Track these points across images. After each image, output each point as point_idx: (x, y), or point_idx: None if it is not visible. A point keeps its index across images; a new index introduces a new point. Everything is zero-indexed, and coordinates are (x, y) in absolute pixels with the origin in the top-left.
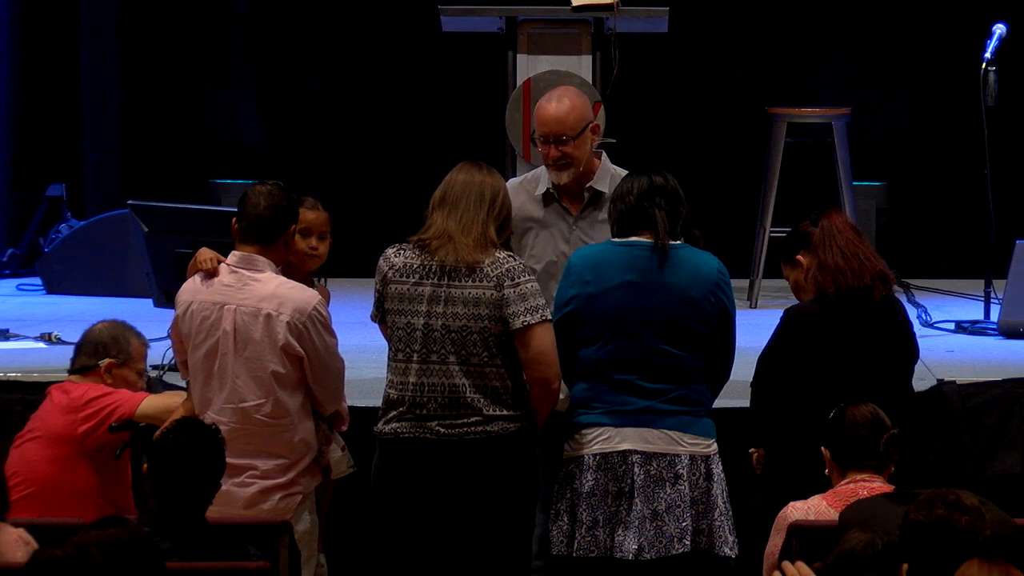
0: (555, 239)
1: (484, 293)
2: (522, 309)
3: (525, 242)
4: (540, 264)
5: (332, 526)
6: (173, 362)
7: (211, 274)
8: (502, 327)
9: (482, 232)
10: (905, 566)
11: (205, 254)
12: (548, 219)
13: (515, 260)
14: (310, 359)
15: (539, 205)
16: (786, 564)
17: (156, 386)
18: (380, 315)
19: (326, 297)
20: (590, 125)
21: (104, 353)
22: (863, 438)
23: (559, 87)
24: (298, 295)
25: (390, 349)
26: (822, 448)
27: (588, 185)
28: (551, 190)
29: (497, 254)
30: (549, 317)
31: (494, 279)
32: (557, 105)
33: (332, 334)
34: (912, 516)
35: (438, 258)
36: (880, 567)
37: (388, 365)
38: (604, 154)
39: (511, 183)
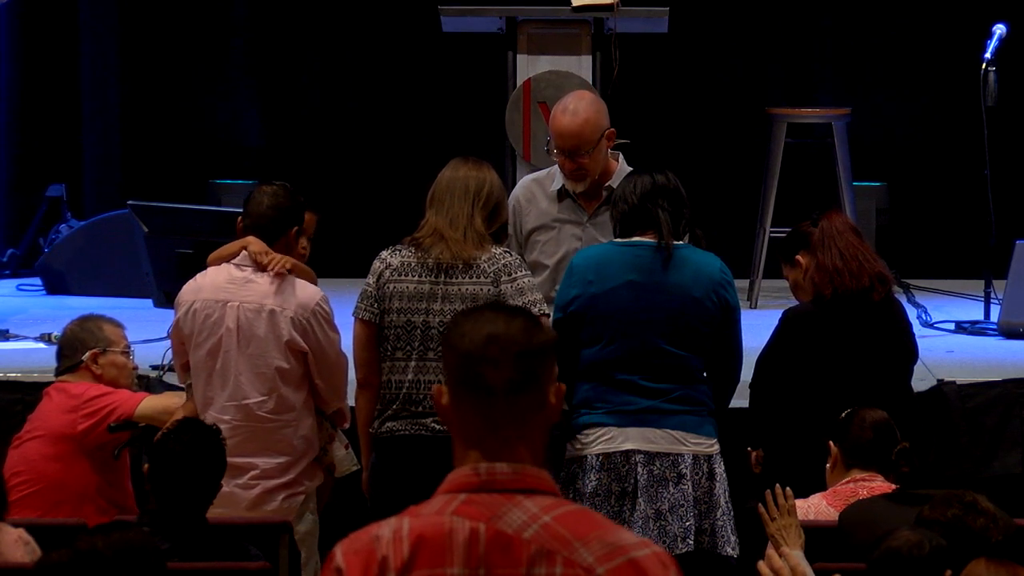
0: (568, 236)
1: (481, 289)
2: (519, 304)
3: (537, 238)
4: (551, 260)
5: (326, 525)
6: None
7: (263, 267)
8: None
9: (468, 225)
10: (949, 572)
11: (258, 245)
12: (561, 216)
13: (511, 255)
14: (314, 355)
15: (553, 202)
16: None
17: (156, 386)
18: (366, 311)
19: None
20: (605, 133)
21: (83, 347)
22: (868, 441)
23: (573, 94)
24: (301, 291)
25: (385, 348)
26: (831, 442)
27: (606, 184)
28: (566, 187)
29: (493, 249)
30: (546, 312)
31: (491, 275)
32: (572, 119)
33: (335, 330)
34: (927, 514)
35: (433, 256)
36: (924, 571)
37: (382, 366)
38: (621, 155)
39: (526, 180)
